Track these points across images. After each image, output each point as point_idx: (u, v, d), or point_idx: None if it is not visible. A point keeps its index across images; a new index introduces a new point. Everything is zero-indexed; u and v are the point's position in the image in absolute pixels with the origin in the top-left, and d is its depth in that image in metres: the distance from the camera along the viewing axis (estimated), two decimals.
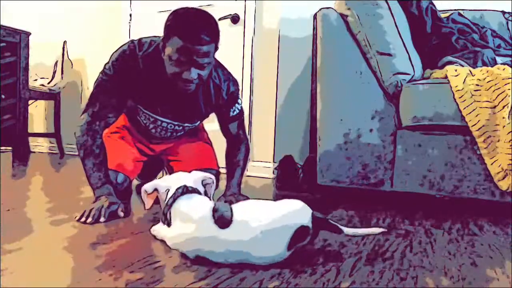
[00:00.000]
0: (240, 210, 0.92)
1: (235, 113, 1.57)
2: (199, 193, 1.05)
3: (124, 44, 1.43)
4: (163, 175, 1.82)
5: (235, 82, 1.55)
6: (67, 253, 0.94)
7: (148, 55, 1.38)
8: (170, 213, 1.00)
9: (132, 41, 1.44)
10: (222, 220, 0.89)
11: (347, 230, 1.01)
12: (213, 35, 1.27)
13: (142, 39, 1.46)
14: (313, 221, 0.92)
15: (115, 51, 1.41)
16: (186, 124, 1.57)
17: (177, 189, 1.01)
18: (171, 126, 1.55)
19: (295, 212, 0.92)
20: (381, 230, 1.08)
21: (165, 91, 1.40)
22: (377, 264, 0.92)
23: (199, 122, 1.62)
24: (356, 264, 0.92)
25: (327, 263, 0.92)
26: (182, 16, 1.28)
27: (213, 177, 1.14)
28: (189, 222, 0.93)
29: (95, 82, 1.41)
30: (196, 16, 1.28)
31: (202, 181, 1.10)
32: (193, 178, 1.08)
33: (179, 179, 1.06)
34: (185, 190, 1.02)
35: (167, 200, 1.02)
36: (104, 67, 1.39)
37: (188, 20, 1.26)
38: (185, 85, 1.30)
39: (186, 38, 1.23)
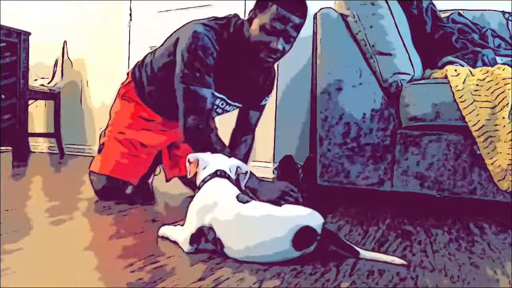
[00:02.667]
0: (255, 205, 0.97)
1: (265, 102, 1.62)
2: (231, 180, 1.08)
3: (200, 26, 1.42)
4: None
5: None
6: (67, 253, 0.94)
7: (232, 33, 1.44)
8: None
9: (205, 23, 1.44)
10: None
11: (364, 253, 0.95)
12: (305, 14, 1.39)
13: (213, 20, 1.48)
14: (323, 230, 0.92)
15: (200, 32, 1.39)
16: (236, 104, 1.59)
17: (215, 170, 1.06)
18: (222, 105, 1.56)
19: (302, 211, 0.94)
20: (401, 261, 0.93)
21: (235, 65, 1.45)
22: (377, 264, 0.92)
23: (245, 104, 1.63)
24: (356, 264, 0.92)
25: (327, 263, 0.92)
26: None
27: (248, 169, 1.19)
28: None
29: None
30: None
31: (237, 168, 1.14)
32: (230, 164, 1.11)
33: (219, 160, 1.11)
34: (221, 174, 1.06)
35: (203, 176, 1.07)
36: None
37: None
38: (268, 55, 1.38)
39: (285, 5, 1.32)
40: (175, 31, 1.52)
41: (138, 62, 1.69)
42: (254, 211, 0.94)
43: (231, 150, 1.56)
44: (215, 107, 1.54)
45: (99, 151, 1.63)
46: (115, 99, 1.70)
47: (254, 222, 0.92)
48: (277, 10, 1.33)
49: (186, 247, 0.97)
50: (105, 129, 1.67)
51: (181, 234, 1.01)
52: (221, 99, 1.53)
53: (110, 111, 1.70)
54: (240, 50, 1.42)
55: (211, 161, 1.10)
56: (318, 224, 0.92)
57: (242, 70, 1.49)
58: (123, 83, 1.70)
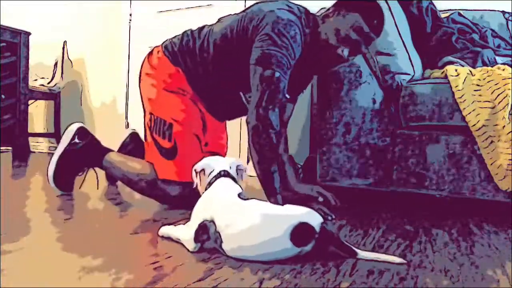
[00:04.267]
0: (255, 202, 1.00)
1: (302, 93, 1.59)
2: (234, 178, 1.11)
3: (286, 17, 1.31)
4: None
5: None
6: (67, 253, 0.94)
7: (310, 28, 1.36)
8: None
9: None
10: None
11: (363, 254, 0.95)
12: (381, 31, 1.35)
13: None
14: (322, 229, 0.93)
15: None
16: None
17: (219, 172, 1.09)
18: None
19: (301, 210, 0.96)
20: (401, 260, 0.94)
21: (301, 62, 1.36)
22: (377, 264, 0.92)
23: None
24: (356, 264, 0.92)
25: (327, 263, 0.92)
26: (372, 2, 1.33)
27: (245, 164, 1.20)
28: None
29: None
30: (380, 9, 1.32)
31: (237, 166, 1.16)
32: (230, 163, 1.14)
33: (220, 161, 1.14)
34: (224, 173, 1.09)
35: (209, 179, 1.10)
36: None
37: (377, 8, 1.31)
38: (332, 59, 1.34)
39: (367, 18, 1.28)
40: (244, 11, 1.42)
41: (170, 42, 1.53)
42: (254, 207, 0.96)
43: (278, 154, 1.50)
44: None
45: (169, 155, 1.44)
46: (153, 90, 1.50)
47: (253, 218, 0.93)
48: (357, 21, 1.28)
49: (191, 245, 0.97)
50: (156, 129, 1.47)
51: (185, 232, 1.01)
52: None
53: (150, 109, 1.51)
54: (310, 47, 1.35)
55: (215, 165, 1.12)
56: (316, 222, 0.93)
57: (304, 67, 1.40)
58: (154, 67, 1.52)
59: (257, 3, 1.42)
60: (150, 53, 1.59)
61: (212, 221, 0.96)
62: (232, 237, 0.93)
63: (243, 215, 0.94)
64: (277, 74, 1.27)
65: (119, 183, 1.79)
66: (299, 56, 1.32)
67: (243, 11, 1.44)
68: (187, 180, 1.37)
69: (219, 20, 1.52)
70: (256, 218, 0.93)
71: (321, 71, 1.55)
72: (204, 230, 0.97)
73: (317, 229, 0.92)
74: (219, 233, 0.94)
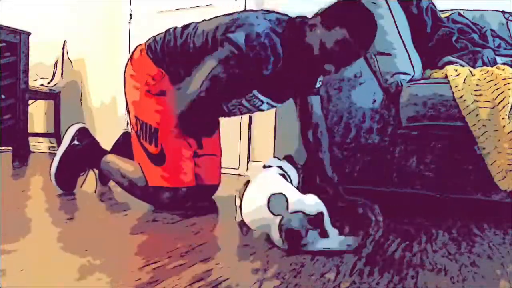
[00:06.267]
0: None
1: (319, 85, 1.46)
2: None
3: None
4: None
5: None
6: (67, 253, 0.94)
7: (292, 36, 1.27)
8: None
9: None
10: None
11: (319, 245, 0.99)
12: (370, 46, 1.27)
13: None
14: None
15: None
16: (281, 103, 1.49)
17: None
18: (263, 106, 1.45)
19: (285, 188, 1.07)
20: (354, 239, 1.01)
21: (286, 67, 1.28)
22: (377, 264, 0.92)
23: (296, 96, 1.50)
24: (356, 264, 0.92)
25: (327, 263, 0.92)
26: (362, 15, 1.22)
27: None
28: None
29: None
30: (372, 21, 1.22)
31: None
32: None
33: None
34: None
35: None
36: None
37: (367, 21, 1.21)
38: (318, 71, 1.31)
39: (355, 34, 1.18)
40: (220, 16, 1.39)
41: (154, 40, 1.48)
42: (258, 179, 1.12)
43: (314, 153, 1.45)
44: (250, 110, 1.46)
45: (157, 161, 1.41)
46: (137, 93, 1.46)
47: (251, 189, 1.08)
48: (345, 36, 1.18)
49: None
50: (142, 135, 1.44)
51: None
52: (258, 98, 1.40)
53: (135, 112, 1.47)
54: (295, 55, 1.27)
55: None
56: (293, 196, 1.02)
57: (290, 71, 1.32)
58: (133, 69, 1.48)
59: (245, 10, 1.40)
60: (133, 53, 1.53)
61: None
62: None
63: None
64: (223, 75, 1.22)
65: (111, 183, 1.77)
66: (276, 64, 1.24)
67: (231, 14, 1.39)
68: (178, 186, 1.39)
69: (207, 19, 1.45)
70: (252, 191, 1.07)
71: (306, 82, 1.45)
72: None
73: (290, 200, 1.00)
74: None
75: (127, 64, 1.53)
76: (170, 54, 1.42)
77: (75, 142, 1.62)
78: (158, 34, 1.50)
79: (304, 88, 1.47)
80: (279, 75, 1.28)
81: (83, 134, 1.65)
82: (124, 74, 1.54)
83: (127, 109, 1.56)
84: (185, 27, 1.45)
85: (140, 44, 1.53)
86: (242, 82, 1.31)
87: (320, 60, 1.24)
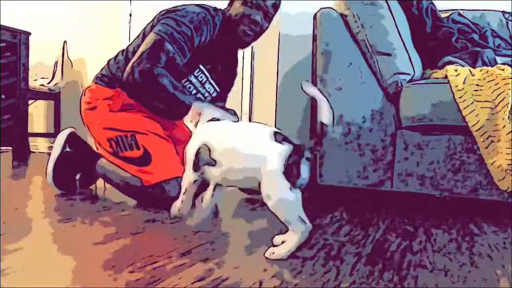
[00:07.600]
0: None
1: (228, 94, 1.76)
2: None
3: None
4: None
5: None
6: (67, 253, 0.94)
7: (218, 16, 1.56)
8: None
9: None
10: None
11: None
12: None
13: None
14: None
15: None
16: (214, 86, 1.64)
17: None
18: (202, 79, 1.59)
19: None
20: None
21: (219, 45, 1.56)
22: (377, 264, 0.92)
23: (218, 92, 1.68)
24: (356, 264, 0.92)
25: (327, 263, 0.92)
26: None
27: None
28: None
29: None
30: None
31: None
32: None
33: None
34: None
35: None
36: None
37: None
38: (249, 26, 1.54)
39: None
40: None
41: (101, 71, 1.62)
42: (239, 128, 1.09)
43: None
44: (195, 81, 1.57)
45: (143, 162, 1.44)
46: (99, 118, 1.53)
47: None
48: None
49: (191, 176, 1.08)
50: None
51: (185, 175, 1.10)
52: (204, 73, 1.57)
53: (107, 136, 1.51)
54: (223, 29, 1.54)
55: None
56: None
57: (224, 50, 1.60)
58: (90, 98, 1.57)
59: None
60: (83, 95, 1.61)
61: (206, 145, 1.03)
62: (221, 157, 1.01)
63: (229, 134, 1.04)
64: (167, 45, 1.40)
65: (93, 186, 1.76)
66: (210, 37, 1.51)
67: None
68: (171, 177, 1.42)
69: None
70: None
71: (242, 44, 1.64)
72: (198, 156, 1.05)
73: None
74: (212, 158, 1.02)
75: (80, 103, 1.61)
76: (122, 72, 1.51)
77: (67, 149, 1.64)
78: (108, 62, 1.63)
79: (227, 82, 1.71)
80: (213, 47, 1.54)
81: (73, 140, 1.66)
82: (80, 112, 1.60)
83: (95, 142, 1.59)
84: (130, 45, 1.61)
85: (88, 87, 1.62)
86: (188, 55, 1.47)
87: (246, 15, 1.52)
